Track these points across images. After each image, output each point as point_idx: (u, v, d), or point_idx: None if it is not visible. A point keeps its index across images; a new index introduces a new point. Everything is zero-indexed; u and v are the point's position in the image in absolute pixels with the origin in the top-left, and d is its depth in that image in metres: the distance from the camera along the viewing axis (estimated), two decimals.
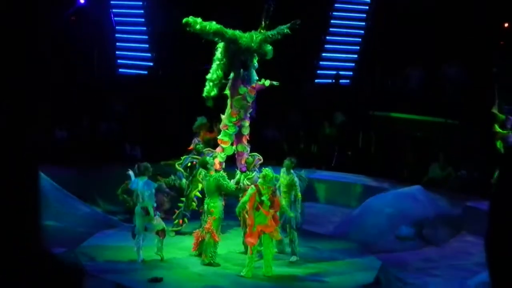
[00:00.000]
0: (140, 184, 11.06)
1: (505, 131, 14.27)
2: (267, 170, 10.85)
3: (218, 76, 11.75)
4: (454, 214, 15.13)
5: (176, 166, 12.85)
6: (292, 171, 11.84)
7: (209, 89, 11.75)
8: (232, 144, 12.08)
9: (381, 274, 11.17)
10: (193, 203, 12.88)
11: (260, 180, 10.82)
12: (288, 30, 11.76)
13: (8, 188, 2.82)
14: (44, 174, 12.72)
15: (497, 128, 14.39)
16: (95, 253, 11.44)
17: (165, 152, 14.92)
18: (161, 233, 11.16)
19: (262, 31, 11.84)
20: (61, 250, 11.20)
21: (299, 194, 11.75)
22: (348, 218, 15.03)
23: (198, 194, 12.75)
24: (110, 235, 12.80)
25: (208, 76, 11.83)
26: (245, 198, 10.92)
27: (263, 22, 11.91)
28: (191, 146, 13.03)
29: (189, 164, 12.80)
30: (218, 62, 11.82)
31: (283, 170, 11.94)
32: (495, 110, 14.58)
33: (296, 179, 11.75)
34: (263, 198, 10.60)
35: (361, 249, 12.78)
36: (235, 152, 12.15)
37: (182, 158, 12.90)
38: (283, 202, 11.41)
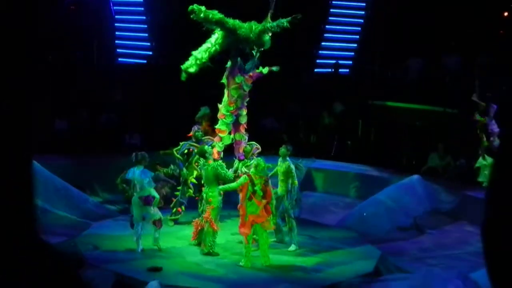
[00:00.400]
0: (136, 173, 11.07)
1: (483, 119, 14.32)
2: (259, 160, 10.89)
3: (203, 57, 11.78)
4: (453, 203, 15.16)
5: (174, 152, 12.85)
6: (288, 158, 11.83)
7: (189, 65, 11.81)
8: (229, 133, 12.11)
9: (381, 264, 11.21)
10: (190, 190, 12.96)
11: (252, 169, 10.85)
12: (287, 24, 11.74)
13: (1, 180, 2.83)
14: (45, 164, 12.73)
15: (478, 116, 14.43)
16: (95, 243, 11.47)
17: (164, 140, 14.90)
18: (158, 223, 11.17)
19: (269, 21, 11.78)
20: (59, 239, 11.23)
21: (296, 181, 11.75)
22: (351, 211, 15.02)
23: (194, 180, 12.82)
24: (109, 225, 12.85)
25: (195, 52, 11.87)
26: (234, 185, 10.92)
27: (269, 13, 11.86)
28: (191, 133, 13.05)
29: (186, 151, 12.83)
30: (209, 45, 11.85)
31: (280, 158, 11.96)
32: (475, 98, 14.60)
33: (292, 166, 11.75)
34: (256, 188, 10.62)
35: (360, 239, 12.82)
36: (233, 141, 12.18)
37: (180, 144, 12.93)
38: (279, 189, 11.53)
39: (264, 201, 10.69)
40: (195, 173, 12.69)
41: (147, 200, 11.04)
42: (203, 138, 12.75)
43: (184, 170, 12.83)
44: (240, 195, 10.94)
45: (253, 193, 10.63)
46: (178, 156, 12.82)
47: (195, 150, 12.56)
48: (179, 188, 13.05)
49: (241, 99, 11.98)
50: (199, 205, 12.52)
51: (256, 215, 10.64)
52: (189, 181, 12.90)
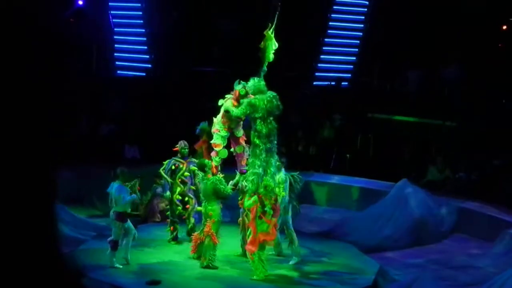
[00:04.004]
0: (114, 188, 11.06)
1: None
2: (268, 181, 10.73)
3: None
4: (449, 215, 15.14)
5: (160, 171, 12.59)
6: (282, 170, 11.72)
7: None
8: (229, 147, 11.96)
9: (379, 277, 11.16)
10: (178, 208, 12.55)
11: (261, 190, 10.72)
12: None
13: (27, 189, 2.82)
14: None
15: None
16: (93, 256, 11.41)
17: (164, 153, 14.83)
18: (113, 244, 11.08)
19: (269, 32, 11.58)
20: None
21: (283, 192, 11.47)
22: (344, 220, 15.03)
23: (179, 197, 12.53)
24: (106, 238, 12.76)
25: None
26: (249, 203, 10.83)
27: (270, 24, 11.63)
28: (177, 147, 12.73)
29: (172, 167, 12.55)
30: None
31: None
32: None
33: (283, 177, 11.57)
34: (266, 208, 10.59)
35: (359, 251, 12.78)
36: (234, 154, 12.06)
37: (165, 162, 12.64)
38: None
39: (274, 220, 10.70)
40: (178, 189, 12.49)
41: (119, 216, 11.01)
42: (190, 158, 12.56)
43: (168, 193, 12.59)
44: (250, 213, 10.90)
45: (263, 213, 10.61)
46: (165, 176, 12.54)
47: (180, 166, 12.45)
48: (167, 206, 12.92)
49: (235, 122, 11.80)
50: (187, 222, 12.51)
51: (267, 233, 10.63)
52: (175, 198, 12.55)
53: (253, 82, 11.30)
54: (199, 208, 12.30)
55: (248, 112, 11.02)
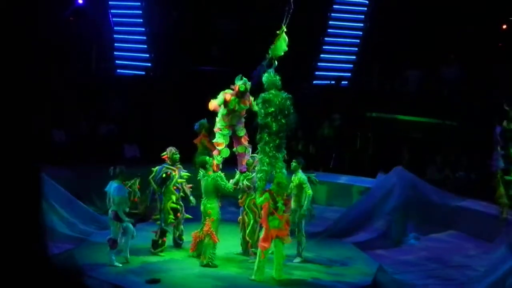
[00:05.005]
0: (112, 188, 11.08)
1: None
2: (281, 177, 10.79)
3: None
4: (447, 213, 15.15)
5: (150, 179, 12.12)
6: (300, 171, 11.80)
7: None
8: (231, 146, 11.97)
9: (379, 276, 11.18)
10: (170, 216, 12.06)
11: (273, 186, 10.74)
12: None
13: (10, 190, 2.83)
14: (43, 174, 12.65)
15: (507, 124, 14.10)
16: (92, 254, 11.46)
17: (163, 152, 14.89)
18: (112, 243, 11.11)
19: (282, 33, 11.56)
20: (59, 248, 11.20)
21: (309, 191, 11.68)
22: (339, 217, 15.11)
23: (173, 205, 12.10)
24: (106, 236, 12.77)
25: None
26: (261, 200, 10.83)
27: (283, 25, 11.61)
28: (166, 155, 12.31)
29: (163, 176, 12.06)
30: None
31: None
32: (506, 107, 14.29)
33: (304, 177, 11.72)
34: (278, 204, 10.59)
35: (359, 251, 12.82)
36: (236, 154, 12.06)
37: (154, 169, 12.18)
38: (292, 203, 11.48)
39: (286, 215, 10.72)
40: (173, 197, 12.08)
41: (116, 216, 11.03)
42: (177, 164, 12.20)
43: (148, 204, 12.44)
44: (262, 211, 10.92)
45: (275, 209, 10.61)
46: (154, 185, 12.07)
47: (172, 174, 12.04)
48: (157, 216, 12.22)
49: (236, 118, 11.83)
50: (174, 230, 12.24)
51: (279, 229, 10.64)
52: (168, 206, 12.06)
53: (268, 76, 11.41)
54: (187, 215, 12.31)
55: (261, 108, 11.15)
